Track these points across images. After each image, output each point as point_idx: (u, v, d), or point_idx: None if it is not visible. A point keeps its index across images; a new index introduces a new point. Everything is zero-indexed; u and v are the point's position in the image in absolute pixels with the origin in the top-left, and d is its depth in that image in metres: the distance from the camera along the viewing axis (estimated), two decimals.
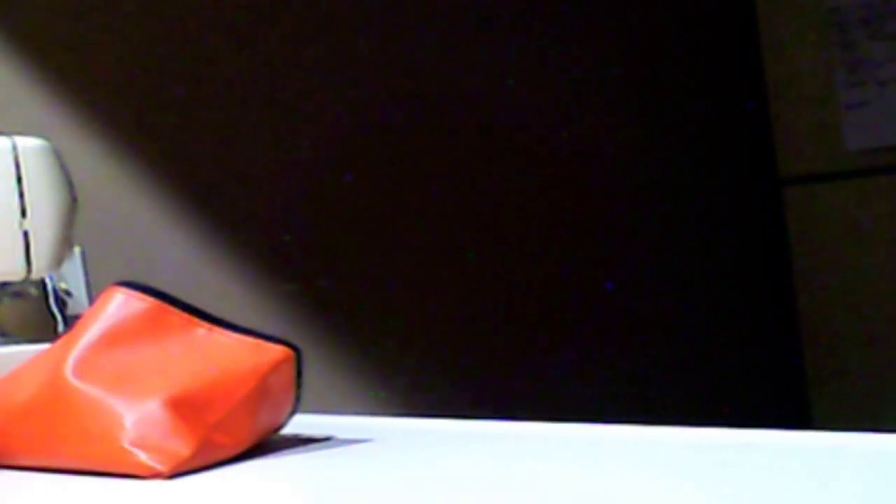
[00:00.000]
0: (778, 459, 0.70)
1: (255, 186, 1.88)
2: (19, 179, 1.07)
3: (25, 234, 1.07)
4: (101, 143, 1.73)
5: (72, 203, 1.11)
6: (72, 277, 1.54)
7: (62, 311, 1.26)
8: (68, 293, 1.44)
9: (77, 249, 1.59)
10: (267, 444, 0.83)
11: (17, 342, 1.10)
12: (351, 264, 1.98)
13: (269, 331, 1.88)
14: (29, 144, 1.08)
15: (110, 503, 0.72)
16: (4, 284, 1.16)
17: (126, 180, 1.76)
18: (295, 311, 1.93)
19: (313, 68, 1.93)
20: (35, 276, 1.09)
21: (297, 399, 0.85)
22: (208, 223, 1.84)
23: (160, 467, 0.75)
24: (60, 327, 1.24)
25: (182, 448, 0.76)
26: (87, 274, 1.61)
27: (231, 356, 0.81)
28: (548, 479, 0.68)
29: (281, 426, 0.86)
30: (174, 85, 1.80)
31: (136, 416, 0.76)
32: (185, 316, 0.82)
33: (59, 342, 0.82)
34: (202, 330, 0.82)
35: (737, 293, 2.46)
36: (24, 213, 1.07)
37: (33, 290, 1.21)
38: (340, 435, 0.91)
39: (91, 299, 1.57)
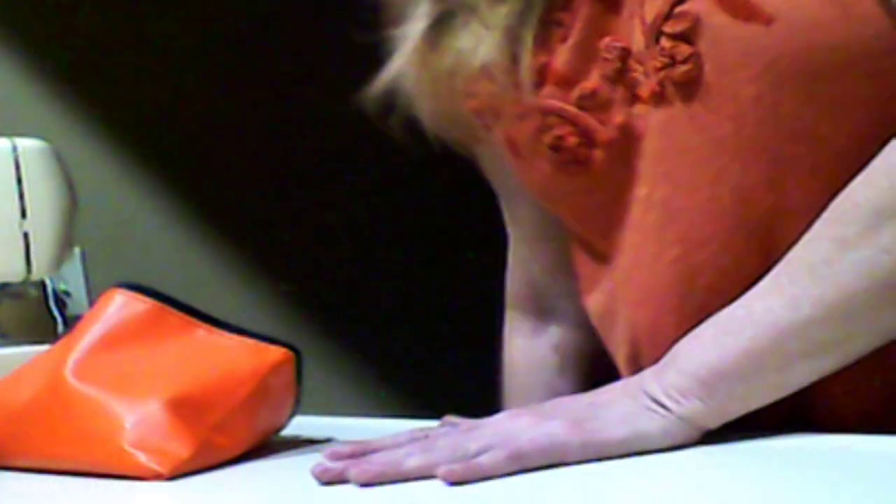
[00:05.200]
0: (778, 461, 0.70)
1: (255, 187, 1.88)
2: (19, 181, 1.07)
3: (25, 235, 1.07)
4: (101, 144, 1.73)
5: (72, 204, 1.10)
6: (72, 278, 1.54)
7: (62, 312, 1.26)
8: (68, 294, 1.44)
9: (77, 250, 1.59)
10: (267, 446, 0.83)
11: (17, 343, 1.10)
12: (351, 265, 1.98)
13: (268, 332, 1.87)
14: (29, 146, 1.08)
15: None
16: (4, 285, 1.16)
17: (126, 181, 1.76)
18: (294, 311, 1.93)
19: (313, 70, 1.93)
20: (35, 276, 1.09)
21: (297, 400, 0.85)
22: (208, 224, 1.85)
23: (160, 468, 0.75)
24: (60, 328, 1.24)
25: (182, 449, 0.76)
26: (86, 275, 1.61)
27: (231, 357, 0.81)
28: (547, 480, 0.68)
29: (281, 427, 0.86)
30: (174, 85, 1.80)
31: (136, 418, 0.76)
32: (185, 317, 0.82)
33: (59, 343, 0.82)
34: (202, 331, 0.82)
35: None
36: (24, 215, 1.07)
37: (33, 291, 1.21)
38: (341, 436, 0.91)
39: (91, 300, 1.57)
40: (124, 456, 0.75)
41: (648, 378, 0.75)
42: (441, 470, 0.68)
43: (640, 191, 0.81)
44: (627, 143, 0.80)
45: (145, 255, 1.76)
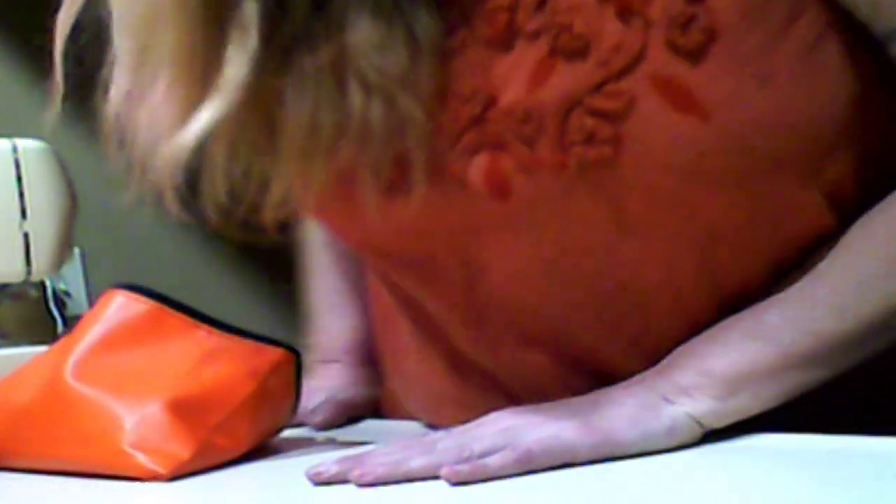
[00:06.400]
0: (778, 461, 0.70)
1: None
2: (19, 181, 1.07)
3: (25, 236, 1.07)
4: (101, 144, 1.73)
5: (72, 204, 1.11)
6: (72, 278, 1.55)
7: (62, 313, 1.26)
8: (68, 294, 1.44)
9: (77, 250, 1.59)
10: (267, 446, 0.83)
11: (17, 343, 1.10)
12: None
13: (268, 332, 1.87)
14: (29, 146, 1.08)
15: None
16: (4, 286, 1.16)
17: (126, 181, 1.75)
18: (294, 311, 1.93)
19: None
20: (35, 277, 1.09)
21: (297, 401, 0.85)
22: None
23: (160, 469, 0.75)
24: (60, 328, 1.24)
25: (182, 450, 0.76)
26: (86, 275, 1.61)
27: (231, 358, 0.81)
28: (547, 479, 0.68)
29: (281, 428, 0.86)
30: None
31: (136, 419, 0.76)
32: (185, 318, 0.82)
33: (59, 344, 0.82)
34: (202, 332, 0.82)
35: None
36: (24, 215, 1.07)
37: (33, 292, 1.21)
38: (341, 437, 0.91)
39: (91, 300, 1.57)
40: (124, 457, 0.75)
41: (654, 378, 0.74)
42: (445, 470, 0.67)
43: (519, 247, 0.76)
44: (459, 191, 0.75)
45: (145, 255, 1.76)
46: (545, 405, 0.75)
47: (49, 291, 1.25)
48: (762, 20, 0.69)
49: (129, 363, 0.80)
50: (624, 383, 0.76)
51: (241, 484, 0.76)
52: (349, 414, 0.99)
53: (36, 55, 1.71)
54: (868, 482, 0.63)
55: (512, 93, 0.73)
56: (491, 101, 0.73)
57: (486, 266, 0.78)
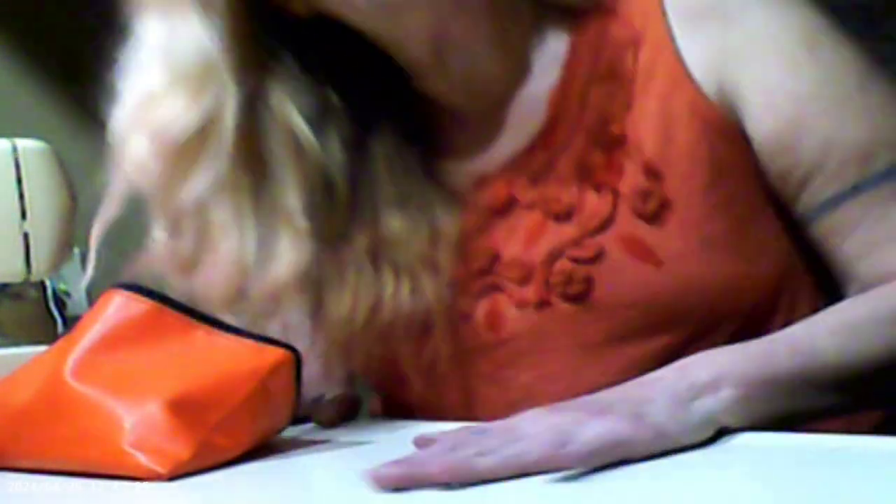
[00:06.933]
0: (778, 461, 0.70)
1: None
2: (19, 181, 1.07)
3: (25, 236, 1.07)
4: (101, 144, 1.73)
5: (72, 204, 1.10)
6: (72, 279, 1.54)
7: (62, 313, 1.26)
8: (68, 294, 1.44)
9: (77, 251, 1.59)
10: (267, 446, 0.83)
11: (17, 343, 1.10)
12: None
13: None
14: (29, 146, 1.08)
15: None
16: (4, 286, 1.16)
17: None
18: None
19: None
20: (35, 277, 1.09)
21: (298, 401, 0.85)
22: None
23: (160, 469, 0.75)
24: (60, 328, 1.24)
25: (182, 450, 0.76)
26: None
27: (231, 358, 0.81)
28: (548, 480, 0.68)
29: (281, 428, 0.86)
30: None
31: (136, 418, 0.76)
32: (184, 318, 0.82)
33: (58, 344, 0.82)
34: (201, 332, 0.82)
35: None
36: (23, 215, 1.06)
37: (33, 292, 1.21)
38: (340, 437, 0.91)
39: (91, 300, 1.56)
40: (124, 456, 0.75)
41: (674, 376, 0.76)
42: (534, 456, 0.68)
43: (504, 373, 0.92)
44: (466, 328, 0.93)
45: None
46: (570, 403, 0.76)
47: (49, 291, 1.25)
48: (708, 196, 0.87)
49: (129, 363, 0.80)
50: (636, 381, 0.76)
51: (241, 484, 0.76)
52: (349, 412, 0.99)
53: (36, 56, 1.71)
54: (868, 482, 0.63)
55: (512, 250, 0.92)
56: (495, 258, 0.92)
57: (476, 390, 0.94)
